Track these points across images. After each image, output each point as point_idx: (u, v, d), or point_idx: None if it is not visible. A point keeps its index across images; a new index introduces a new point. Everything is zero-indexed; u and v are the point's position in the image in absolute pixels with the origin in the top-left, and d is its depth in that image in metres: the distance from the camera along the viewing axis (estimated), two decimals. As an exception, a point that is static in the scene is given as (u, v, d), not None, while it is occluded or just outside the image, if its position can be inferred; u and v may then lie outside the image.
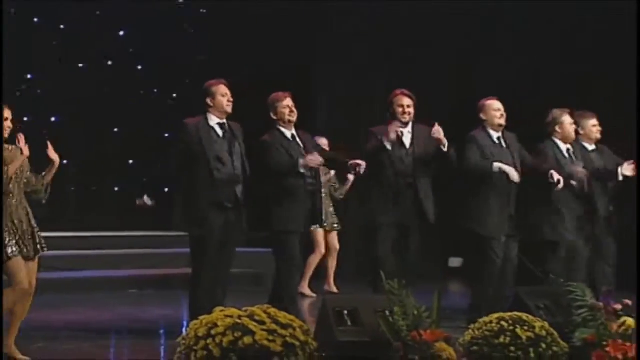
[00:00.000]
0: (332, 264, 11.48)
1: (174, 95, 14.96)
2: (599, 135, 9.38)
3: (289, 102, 8.28)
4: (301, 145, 8.24)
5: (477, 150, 8.81)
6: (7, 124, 6.63)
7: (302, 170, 8.11)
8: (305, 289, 11.16)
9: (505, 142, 8.92)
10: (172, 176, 8.16)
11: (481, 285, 8.62)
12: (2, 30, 9.40)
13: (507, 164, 8.73)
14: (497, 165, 8.65)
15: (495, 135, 8.88)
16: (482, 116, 8.95)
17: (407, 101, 8.72)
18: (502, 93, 9.96)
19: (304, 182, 8.16)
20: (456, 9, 13.63)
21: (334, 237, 11.43)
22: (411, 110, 8.76)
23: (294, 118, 8.28)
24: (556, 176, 8.62)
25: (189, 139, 7.82)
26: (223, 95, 7.91)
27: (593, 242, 9.48)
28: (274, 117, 8.24)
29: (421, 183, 8.71)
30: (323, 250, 11.28)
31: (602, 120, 9.55)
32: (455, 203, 9.34)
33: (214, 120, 7.91)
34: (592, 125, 9.35)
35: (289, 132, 8.24)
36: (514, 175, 8.61)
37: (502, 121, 8.88)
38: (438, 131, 8.43)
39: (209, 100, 7.93)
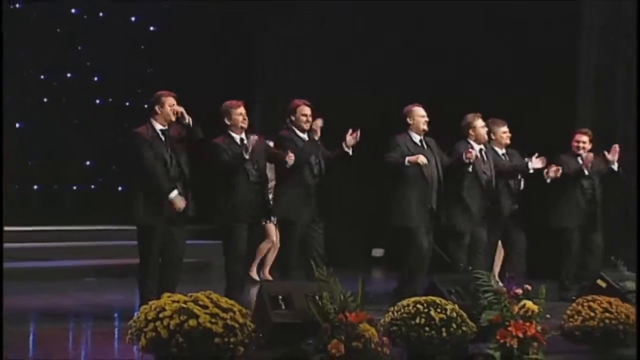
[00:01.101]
0: (273, 255, 11.39)
1: (127, 103, 14.79)
2: (508, 141, 9.51)
3: (242, 110, 8.31)
4: (249, 148, 8.19)
5: (399, 151, 8.87)
6: None
7: (247, 168, 8.15)
8: (253, 273, 11.11)
9: (427, 144, 8.98)
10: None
11: (408, 272, 8.66)
12: (2, 30, 9.27)
13: (430, 161, 8.82)
14: (408, 158, 8.72)
15: (417, 138, 8.94)
16: (409, 120, 9.02)
17: None
18: (437, 95, 10.06)
19: (248, 179, 8.20)
20: (395, 11, 13.41)
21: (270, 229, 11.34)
22: None
23: (246, 125, 8.30)
24: (472, 153, 8.75)
25: (144, 144, 7.81)
26: (170, 105, 7.87)
27: (503, 234, 9.60)
28: (227, 122, 8.24)
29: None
30: (274, 239, 11.19)
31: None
32: (380, 200, 9.40)
33: (158, 127, 7.89)
34: (503, 132, 9.49)
35: (238, 137, 8.23)
36: (423, 159, 8.66)
37: (426, 126, 8.96)
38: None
39: (157, 108, 7.89)
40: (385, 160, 8.82)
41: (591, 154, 9.86)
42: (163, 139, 7.88)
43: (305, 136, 8.66)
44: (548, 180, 9.53)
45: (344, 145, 8.54)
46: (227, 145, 8.20)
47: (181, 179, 7.91)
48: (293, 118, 8.68)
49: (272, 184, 10.57)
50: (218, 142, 8.22)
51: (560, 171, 9.50)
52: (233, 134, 8.25)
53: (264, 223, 10.66)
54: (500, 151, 9.53)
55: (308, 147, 8.59)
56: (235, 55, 14.05)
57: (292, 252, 8.63)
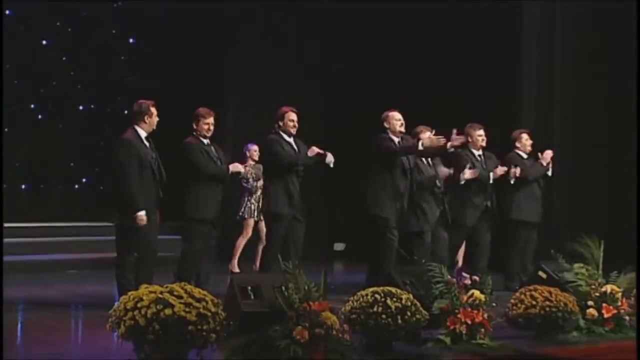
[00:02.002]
0: (239, 249, 11.34)
1: (108, 110, 14.71)
2: (484, 144, 9.57)
3: (211, 120, 8.43)
4: (214, 150, 8.40)
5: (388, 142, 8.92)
6: None
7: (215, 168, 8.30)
8: (234, 267, 11.09)
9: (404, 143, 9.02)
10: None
11: (380, 263, 8.63)
12: (2, 30, 9.14)
13: (404, 164, 8.84)
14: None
15: (396, 140, 8.96)
16: (386, 124, 9.06)
17: None
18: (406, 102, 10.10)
19: (216, 179, 8.25)
20: (360, 17, 13.44)
21: (261, 227, 11.27)
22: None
23: (210, 134, 8.43)
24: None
25: (133, 149, 7.81)
26: (156, 115, 7.96)
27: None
28: (195, 127, 8.39)
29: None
30: (249, 235, 11.17)
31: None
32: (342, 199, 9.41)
33: (143, 134, 7.91)
34: (479, 135, 9.60)
35: (205, 141, 8.41)
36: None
37: (402, 129, 8.99)
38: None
39: (145, 118, 7.91)
40: (387, 150, 8.84)
41: (549, 152, 9.98)
42: (147, 144, 7.91)
43: (291, 140, 8.84)
44: (512, 182, 9.68)
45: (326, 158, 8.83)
46: (201, 147, 8.36)
47: (162, 180, 7.95)
48: (281, 123, 8.86)
49: (260, 182, 10.58)
50: (193, 141, 8.30)
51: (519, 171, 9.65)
52: (201, 139, 8.38)
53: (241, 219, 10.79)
54: (477, 153, 9.60)
55: (294, 151, 8.84)
56: (207, 64, 14.00)
57: (276, 246, 8.71)
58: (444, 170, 9.43)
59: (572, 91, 12.49)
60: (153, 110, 7.96)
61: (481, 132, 9.65)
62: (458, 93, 12.35)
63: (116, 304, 5.13)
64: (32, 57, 14.17)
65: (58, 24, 14.49)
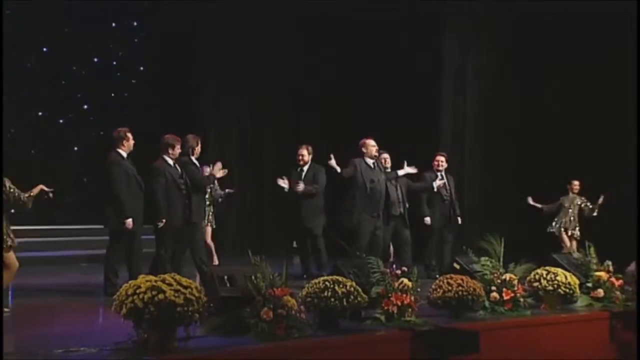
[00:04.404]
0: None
1: (101, 132, 14.07)
2: (377, 154, 9.45)
3: (179, 145, 8.28)
4: (179, 170, 8.24)
5: (356, 170, 8.92)
6: None
7: (179, 182, 8.15)
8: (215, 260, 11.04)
9: (377, 165, 9.06)
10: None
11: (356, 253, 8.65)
12: (2, 30, 8.98)
13: (377, 179, 8.89)
14: (346, 171, 8.91)
15: (370, 161, 9.01)
16: (363, 149, 9.13)
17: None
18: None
19: (180, 194, 8.08)
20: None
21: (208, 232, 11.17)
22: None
23: (176, 156, 8.26)
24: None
25: (122, 168, 7.85)
26: (132, 139, 8.01)
27: (394, 230, 9.71)
28: (169, 151, 8.17)
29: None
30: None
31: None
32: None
33: (124, 154, 7.96)
34: (372, 146, 9.40)
35: (171, 161, 8.19)
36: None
37: (376, 153, 9.04)
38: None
39: (123, 142, 7.97)
40: (342, 173, 8.87)
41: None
42: (129, 163, 7.96)
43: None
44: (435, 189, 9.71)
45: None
46: (164, 168, 8.17)
47: (141, 189, 7.98)
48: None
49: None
50: (158, 165, 8.18)
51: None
52: (167, 159, 8.18)
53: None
54: (371, 161, 9.37)
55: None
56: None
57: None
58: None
59: (479, 117, 12.68)
60: (129, 135, 8.00)
61: (373, 143, 9.41)
62: (395, 122, 12.42)
63: (118, 290, 5.08)
64: (39, 66, 13.73)
65: (44, 49, 13.89)
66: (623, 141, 11.31)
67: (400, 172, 9.48)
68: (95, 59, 14.42)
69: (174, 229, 8.12)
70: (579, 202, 11.46)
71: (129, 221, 7.75)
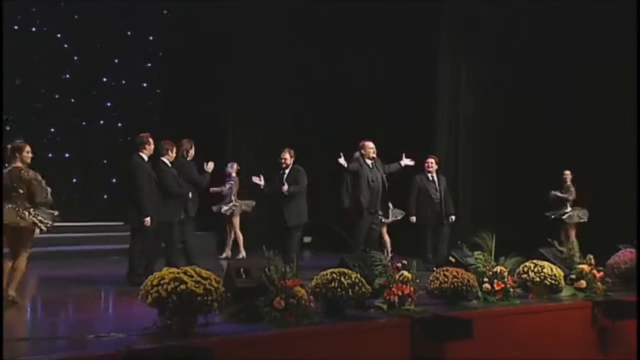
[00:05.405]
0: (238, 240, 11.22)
1: (120, 139, 14.08)
2: (374, 155, 9.36)
3: (175, 149, 8.31)
4: (174, 171, 8.28)
5: (360, 166, 8.92)
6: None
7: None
8: (225, 254, 11.03)
9: (375, 165, 9.05)
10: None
11: (355, 246, 8.63)
12: (2, 30, 8.94)
13: (375, 178, 8.87)
14: (353, 165, 8.87)
15: (369, 162, 8.99)
16: (362, 151, 9.11)
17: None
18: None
19: (158, 189, 8.11)
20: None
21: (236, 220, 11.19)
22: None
23: (172, 159, 8.30)
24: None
25: (145, 171, 7.90)
26: (152, 143, 8.07)
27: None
28: (140, 148, 8.12)
29: None
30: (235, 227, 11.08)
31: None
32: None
33: (145, 158, 8.01)
34: (369, 147, 9.32)
35: (169, 162, 8.22)
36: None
37: (374, 155, 9.02)
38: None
39: (145, 146, 8.01)
40: (349, 167, 8.89)
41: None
42: (149, 164, 7.98)
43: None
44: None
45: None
46: (165, 168, 8.23)
47: (159, 189, 8.01)
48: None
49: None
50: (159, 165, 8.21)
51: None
52: (165, 160, 8.22)
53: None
54: (369, 162, 9.28)
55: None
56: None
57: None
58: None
59: (472, 120, 12.62)
60: (150, 140, 8.05)
61: (372, 145, 9.29)
62: (395, 123, 12.35)
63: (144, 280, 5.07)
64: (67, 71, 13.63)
65: (65, 77, 13.84)
66: (621, 143, 11.01)
67: (401, 163, 9.49)
68: (123, 71, 14.45)
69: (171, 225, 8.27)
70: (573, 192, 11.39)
71: (147, 219, 7.76)
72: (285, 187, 9.04)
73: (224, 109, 13.85)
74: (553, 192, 11.21)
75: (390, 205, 10.27)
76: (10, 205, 6.16)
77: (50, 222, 6.30)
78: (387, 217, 10.37)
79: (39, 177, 6.38)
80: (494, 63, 12.22)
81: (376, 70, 12.85)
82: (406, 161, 9.47)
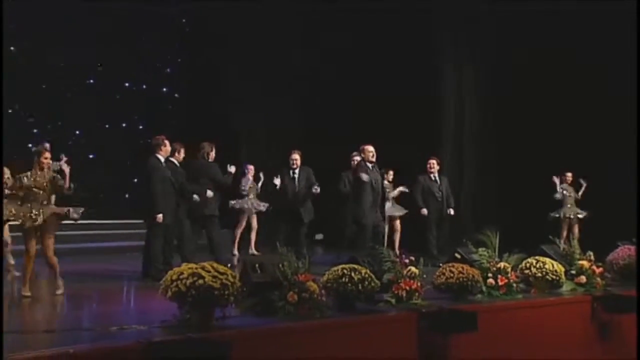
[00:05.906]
0: (252, 236, 11.20)
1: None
2: (373, 159, 9.33)
3: (169, 145, 8.21)
4: (181, 170, 8.32)
5: (363, 171, 8.91)
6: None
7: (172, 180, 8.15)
8: (235, 250, 11.00)
9: (374, 168, 9.02)
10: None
11: (359, 245, 8.59)
12: (2, 30, 8.92)
13: (376, 180, 8.85)
14: (364, 176, 8.71)
15: (369, 165, 8.96)
16: (362, 155, 9.08)
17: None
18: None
19: (173, 189, 8.10)
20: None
21: (254, 219, 11.17)
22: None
23: (180, 159, 8.32)
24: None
25: (160, 171, 7.92)
26: (168, 145, 8.08)
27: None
28: (156, 150, 8.10)
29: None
30: (243, 225, 11.06)
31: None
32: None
33: (162, 159, 8.02)
34: (369, 151, 9.28)
35: (162, 159, 8.15)
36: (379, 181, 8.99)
37: (373, 158, 8.99)
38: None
39: (161, 147, 8.02)
40: (361, 176, 8.81)
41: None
42: (165, 165, 8.01)
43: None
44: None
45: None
46: (159, 166, 8.12)
47: (174, 189, 8.03)
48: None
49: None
50: (152, 162, 8.15)
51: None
52: (160, 157, 8.16)
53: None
54: (370, 165, 9.25)
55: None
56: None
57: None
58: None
59: (475, 121, 12.57)
60: (166, 142, 8.07)
61: (371, 149, 9.20)
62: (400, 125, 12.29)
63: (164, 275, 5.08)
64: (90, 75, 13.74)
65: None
66: (621, 142, 10.92)
67: (395, 192, 9.62)
68: (144, 77, 14.51)
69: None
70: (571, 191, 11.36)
71: (160, 216, 7.82)
72: (317, 188, 9.18)
73: (237, 112, 13.88)
74: (555, 178, 11.20)
75: (389, 203, 10.28)
76: (27, 205, 6.30)
77: (77, 215, 6.44)
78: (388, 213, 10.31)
79: (58, 175, 6.52)
80: (495, 64, 12.16)
81: (379, 72, 12.78)
82: (401, 189, 9.63)
